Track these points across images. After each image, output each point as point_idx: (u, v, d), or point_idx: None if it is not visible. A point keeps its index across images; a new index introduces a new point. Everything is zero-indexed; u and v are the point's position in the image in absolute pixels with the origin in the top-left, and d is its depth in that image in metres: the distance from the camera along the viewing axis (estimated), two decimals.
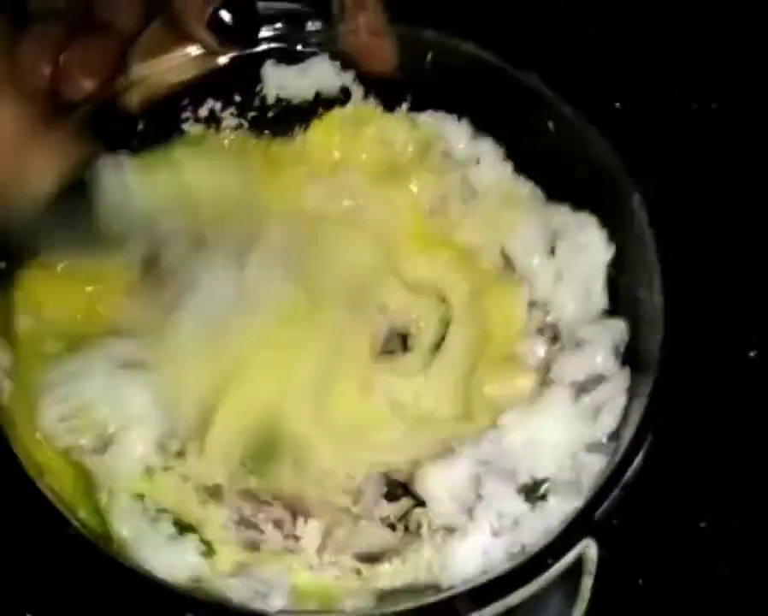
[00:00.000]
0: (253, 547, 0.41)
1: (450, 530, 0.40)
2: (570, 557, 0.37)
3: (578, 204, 0.49)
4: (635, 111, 0.58)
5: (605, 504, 0.38)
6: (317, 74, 0.53)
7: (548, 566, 0.37)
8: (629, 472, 0.39)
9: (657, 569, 0.48)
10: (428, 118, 0.53)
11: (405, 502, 0.43)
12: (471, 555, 0.39)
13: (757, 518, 0.49)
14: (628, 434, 0.40)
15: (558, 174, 0.50)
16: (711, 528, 0.49)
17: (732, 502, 0.50)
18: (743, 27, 0.65)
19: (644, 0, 0.67)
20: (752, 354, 0.54)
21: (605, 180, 0.48)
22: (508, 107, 0.51)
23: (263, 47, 0.52)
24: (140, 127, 0.51)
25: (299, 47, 0.52)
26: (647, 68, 0.61)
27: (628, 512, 0.39)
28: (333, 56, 0.52)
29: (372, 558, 0.40)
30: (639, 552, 0.48)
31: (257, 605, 0.37)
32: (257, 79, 0.53)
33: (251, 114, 0.54)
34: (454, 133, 0.52)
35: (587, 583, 0.38)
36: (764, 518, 0.49)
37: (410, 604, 0.37)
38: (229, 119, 0.54)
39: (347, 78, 0.53)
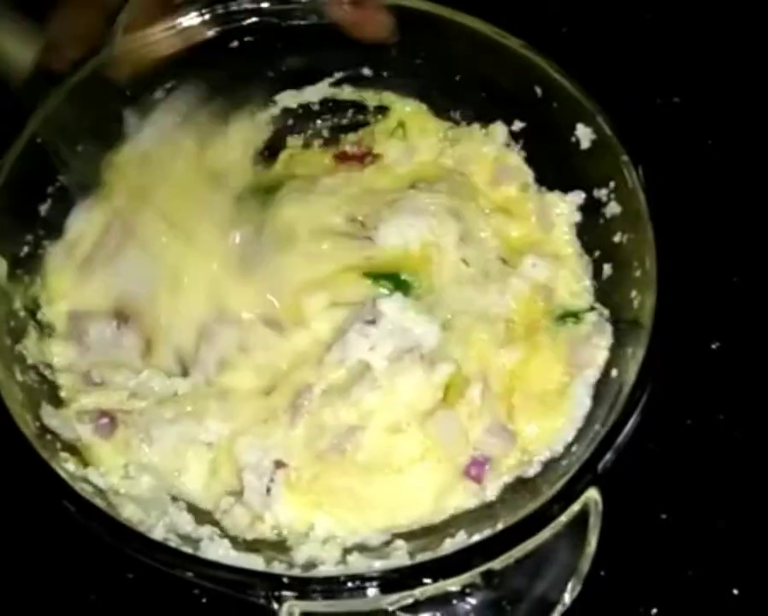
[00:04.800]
0: None
1: None
2: (575, 507, 0.38)
3: None
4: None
5: (608, 455, 0.39)
6: None
7: (554, 516, 0.38)
8: (630, 423, 0.40)
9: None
10: None
11: None
12: None
13: (716, 509, 0.50)
14: (626, 388, 0.41)
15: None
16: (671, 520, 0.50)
17: (693, 495, 0.51)
18: (706, 28, 0.67)
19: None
20: (714, 346, 0.55)
21: None
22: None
23: (253, 19, 0.52)
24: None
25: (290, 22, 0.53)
26: (615, 67, 0.62)
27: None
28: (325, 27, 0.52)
29: None
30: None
31: None
32: None
33: None
34: None
35: (593, 533, 0.38)
36: (723, 508, 0.50)
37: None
38: None
39: None
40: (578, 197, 0.51)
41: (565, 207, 0.51)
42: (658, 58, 0.65)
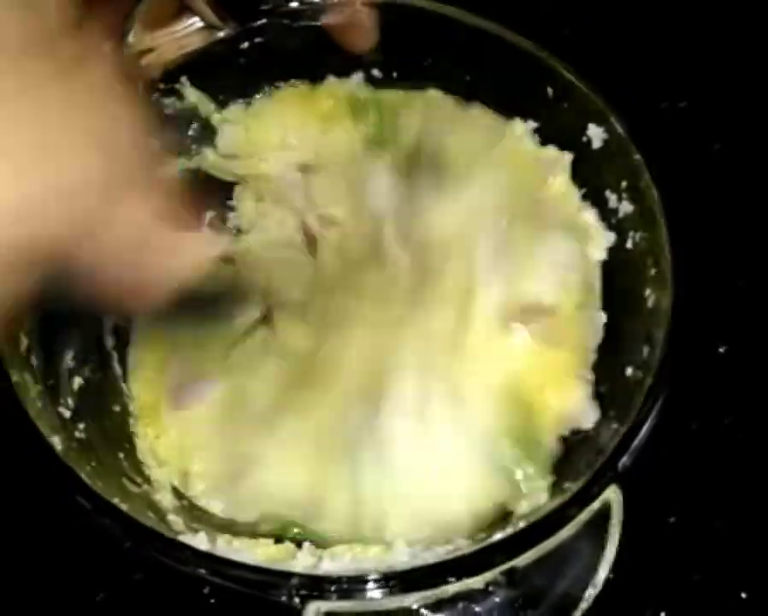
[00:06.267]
0: None
1: None
2: (595, 505, 0.38)
3: None
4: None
5: (628, 453, 0.39)
6: None
7: (574, 515, 0.38)
8: (649, 421, 0.40)
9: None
10: None
11: None
12: None
13: (724, 512, 0.50)
14: (646, 384, 0.41)
15: None
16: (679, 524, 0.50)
17: (701, 498, 0.51)
18: (712, 32, 0.67)
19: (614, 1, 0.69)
20: (721, 350, 0.55)
21: None
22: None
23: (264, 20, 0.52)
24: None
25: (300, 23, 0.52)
26: (621, 70, 0.62)
27: None
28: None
29: None
30: None
31: None
32: None
33: None
34: None
35: (615, 531, 0.38)
36: (726, 512, 0.50)
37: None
38: None
39: None
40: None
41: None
42: (664, 62, 0.65)
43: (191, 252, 0.35)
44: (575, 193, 0.51)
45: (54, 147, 0.29)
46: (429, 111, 0.54)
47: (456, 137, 0.53)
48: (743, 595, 0.48)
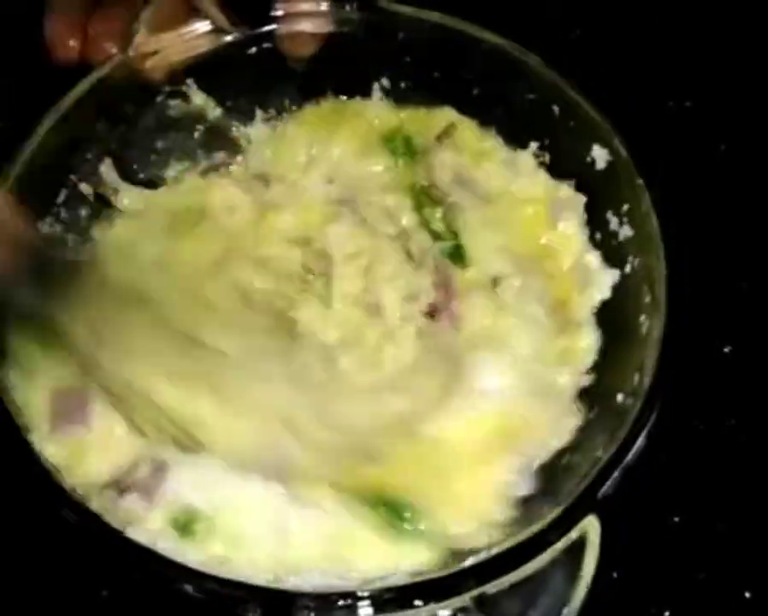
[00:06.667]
0: None
1: None
2: (573, 534, 0.38)
3: None
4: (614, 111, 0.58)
5: (608, 483, 0.39)
6: None
7: (551, 543, 0.37)
8: (632, 452, 0.39)
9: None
10: None
11: None
12: None
13: (728, 512, 0.50)
14: (633, 414, 0.40)
15: None
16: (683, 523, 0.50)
17: (704, 498, 0.50)
18: (718, 32, 0.67)
19: (623, 2, 0.68)
20: (725, 351, 0.55)
21: None
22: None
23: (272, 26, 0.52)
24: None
25: None
26: (626, 70, 0.62)
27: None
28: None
29: None
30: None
31: None
32: None
33: None
34: None
35: (590, 561, 0.38)
36: (731, 513, 0.50)
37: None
38: None
39: None
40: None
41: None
42: (670, 62, 0.65)
43: None
44: (582, 236, 0.51)
45: None
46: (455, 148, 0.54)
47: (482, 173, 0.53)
48: (747, 595, 0.48)
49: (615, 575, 0.44)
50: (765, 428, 0.52)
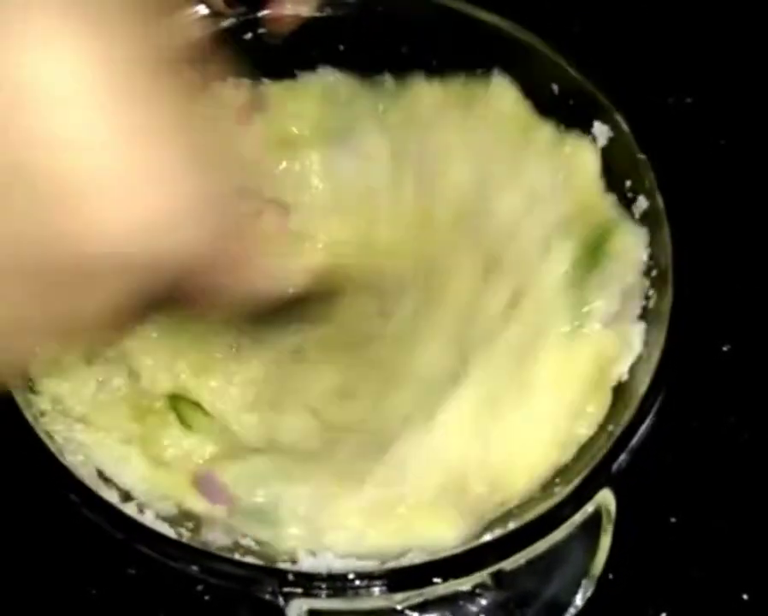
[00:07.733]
0: None
1: None
2: (589, 508, 0.37)
3: None
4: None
5: (622, 456, 0.38)
6: None
7: (567, 517, 0.37)
8: (645, 424, 0.39)
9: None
10: None
11: None
12: None
13: (726, 512, 0.50)
14: (642, 388, 0.40)
15: None
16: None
17: (702, 498, 0.50)
18: (719, 27, 0.67)
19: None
20: (725, 349, 0.55)
21: None
22: None
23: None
24: None
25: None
26: (627, 66, 0.62)
27: None
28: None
29: None
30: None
31: None
32: None
33: None
34: None
35: (606, 535, 0.38)
36: (731, 513, 0.50)
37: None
38: None
39: None
40: None
41: None
42: (670, 57, 0.65)
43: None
44: None
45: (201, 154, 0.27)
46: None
47: None
48: (745, 596, 0.47)
49: (611, 576, 0.43)
50: (765, 427, 0.52)
